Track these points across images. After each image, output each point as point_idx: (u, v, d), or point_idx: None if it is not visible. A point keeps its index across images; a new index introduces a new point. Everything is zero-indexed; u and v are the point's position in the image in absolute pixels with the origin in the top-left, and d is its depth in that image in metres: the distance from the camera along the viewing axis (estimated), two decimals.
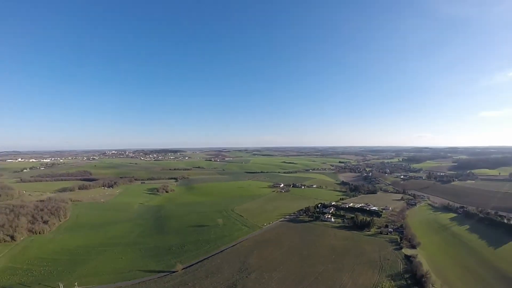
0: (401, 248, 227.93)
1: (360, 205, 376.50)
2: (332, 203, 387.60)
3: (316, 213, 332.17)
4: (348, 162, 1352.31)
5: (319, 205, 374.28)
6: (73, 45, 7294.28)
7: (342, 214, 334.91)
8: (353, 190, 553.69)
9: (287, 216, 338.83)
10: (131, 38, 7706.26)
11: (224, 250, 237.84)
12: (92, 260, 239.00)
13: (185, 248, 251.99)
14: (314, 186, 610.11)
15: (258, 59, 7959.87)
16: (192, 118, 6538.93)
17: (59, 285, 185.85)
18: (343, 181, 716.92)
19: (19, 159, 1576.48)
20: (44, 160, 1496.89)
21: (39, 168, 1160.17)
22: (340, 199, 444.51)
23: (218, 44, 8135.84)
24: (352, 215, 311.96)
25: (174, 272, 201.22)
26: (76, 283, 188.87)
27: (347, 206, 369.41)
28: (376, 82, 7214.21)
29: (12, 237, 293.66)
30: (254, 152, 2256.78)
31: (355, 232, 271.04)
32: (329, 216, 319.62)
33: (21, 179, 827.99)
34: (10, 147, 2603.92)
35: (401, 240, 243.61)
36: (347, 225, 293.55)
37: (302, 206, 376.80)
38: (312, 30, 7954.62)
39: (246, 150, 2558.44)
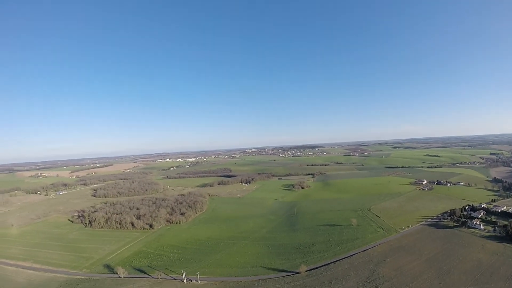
0: None
1: None
2: (482, 206, 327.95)
3: (462, 217, 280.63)
4: (501, 153, 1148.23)
5: (466, 208, 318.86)
6: None
7: (493, 220, 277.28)
8: (508, 189, 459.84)
9: (429, 220, 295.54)
10: None
11: (354, 254, 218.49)
12: (219, 251, 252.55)
13: (313, 248, 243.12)
14: (461, 183, 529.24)
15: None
16: (330, 113, 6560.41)
17: (182, 272, 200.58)
18: (495, 177, 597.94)
19: (168, 159, 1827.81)
20: (190, 159, 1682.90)
21: (184, 166, 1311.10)
22: (492, 200, 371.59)
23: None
24: (506, 222, 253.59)
25: (297, 273, 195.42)
26: (198, 273, 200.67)
27: (499, 210, 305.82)
28: None
29: (151, 226, 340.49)
30: (394, 145, 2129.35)
31: (507, 244, 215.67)
32: (478, 222, 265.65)
33: (167, 176, 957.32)
34: (162, 150, 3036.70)
35: None
36: (498, 234, 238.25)
37: (447, 207, 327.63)
38: None
39: (386, 143, 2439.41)
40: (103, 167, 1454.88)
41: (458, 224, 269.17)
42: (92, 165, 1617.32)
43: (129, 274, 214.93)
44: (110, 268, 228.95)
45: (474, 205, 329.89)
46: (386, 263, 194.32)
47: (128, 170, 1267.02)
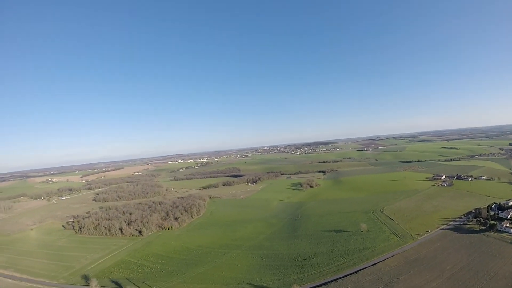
0: None
1: None
2: (510, 203, 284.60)
3: (490, 219, 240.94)
4: None
5: (492, 206, 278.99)
6: None
7: None
8: None
9: (451, 222, 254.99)
10: None
11: (360, 270, 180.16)
12: (206, 263, 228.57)
13: (313, 260, 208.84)
14: (483, 177, 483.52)
15: None
16: (343, 108, 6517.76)
17: None
18: None
19: (179, 160, 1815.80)
20: (201, 160, 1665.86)
21: (194, 167, 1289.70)
22: None
23: None
24: None
25: None
26: None
27: None
28: None
29: (140, 232, 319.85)
30: (409, 139, 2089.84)
31: None
32: (508, 225, 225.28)
33: (174, 178, 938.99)
34: (176, 151, 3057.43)
35: None
36: None
37: (470, 206, 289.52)
38: None
39: (401, 137, 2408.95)
40: (113, 170, 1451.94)
41: (485, 228, 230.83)
42: (104, 169, 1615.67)
43: (101, 287, 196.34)
44: (87, 279, 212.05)
45: (501, 203, 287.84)
46: (400, 282, 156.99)
47: (137, 173, 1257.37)
